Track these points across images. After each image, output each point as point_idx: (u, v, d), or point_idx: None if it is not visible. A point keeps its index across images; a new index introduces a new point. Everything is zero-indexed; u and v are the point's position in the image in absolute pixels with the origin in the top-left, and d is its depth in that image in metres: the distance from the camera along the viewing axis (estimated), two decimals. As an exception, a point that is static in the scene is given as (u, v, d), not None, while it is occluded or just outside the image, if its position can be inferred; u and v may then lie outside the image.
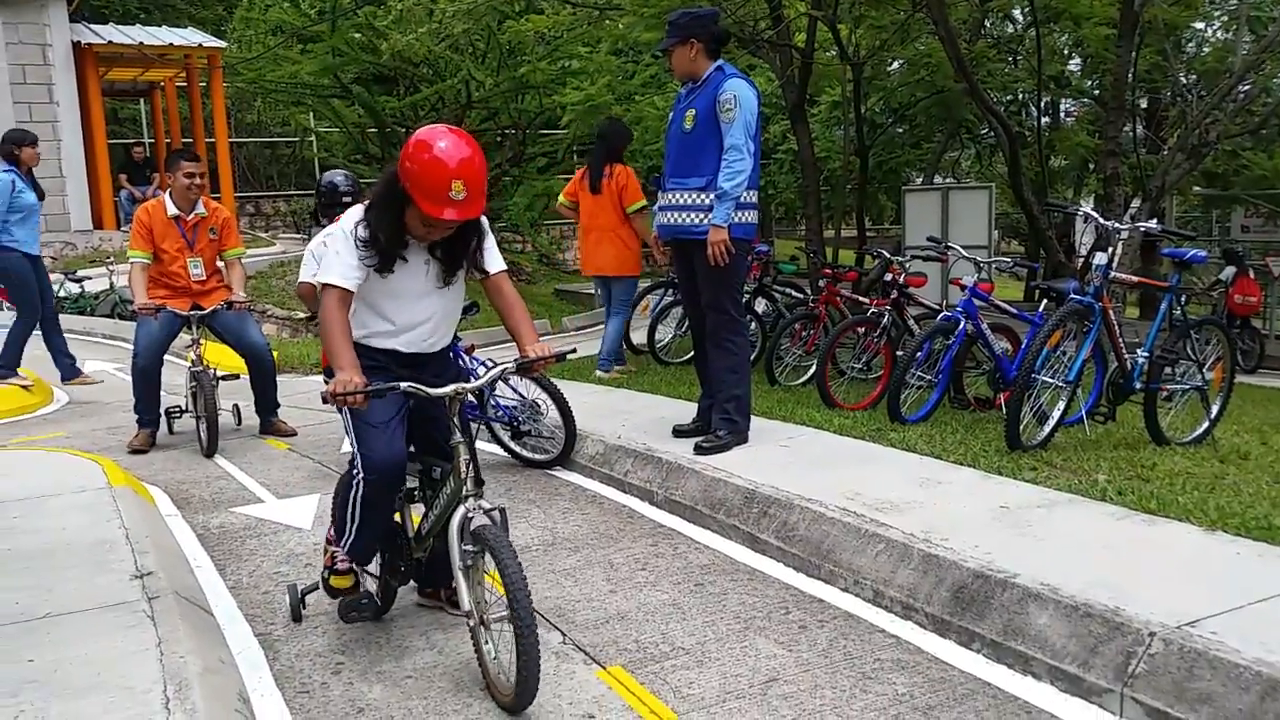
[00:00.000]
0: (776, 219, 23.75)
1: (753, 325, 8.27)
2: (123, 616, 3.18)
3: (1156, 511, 3.82)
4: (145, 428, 6.32)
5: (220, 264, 6.51)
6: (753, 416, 5.32)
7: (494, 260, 3.25)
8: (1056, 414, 5.01)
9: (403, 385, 2.95)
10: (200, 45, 17.28)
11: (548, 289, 18.48)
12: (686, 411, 5.71)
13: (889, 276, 6.98)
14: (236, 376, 6.70)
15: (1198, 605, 2.93)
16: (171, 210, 6.19)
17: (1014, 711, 2.80)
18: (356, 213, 3.10)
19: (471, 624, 2.92)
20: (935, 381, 5.82)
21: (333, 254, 3.07)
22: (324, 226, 5.45)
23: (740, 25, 10.68)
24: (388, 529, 3.33)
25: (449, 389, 2.99)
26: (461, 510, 2.90)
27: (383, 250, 3.04)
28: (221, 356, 6.85)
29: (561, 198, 8.17)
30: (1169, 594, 3.03)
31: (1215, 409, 5.35)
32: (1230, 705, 2.54)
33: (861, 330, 6.61)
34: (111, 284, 13.30)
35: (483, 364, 5.26)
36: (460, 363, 4.94)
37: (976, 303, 5.75)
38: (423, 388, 2.97)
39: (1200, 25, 17.74)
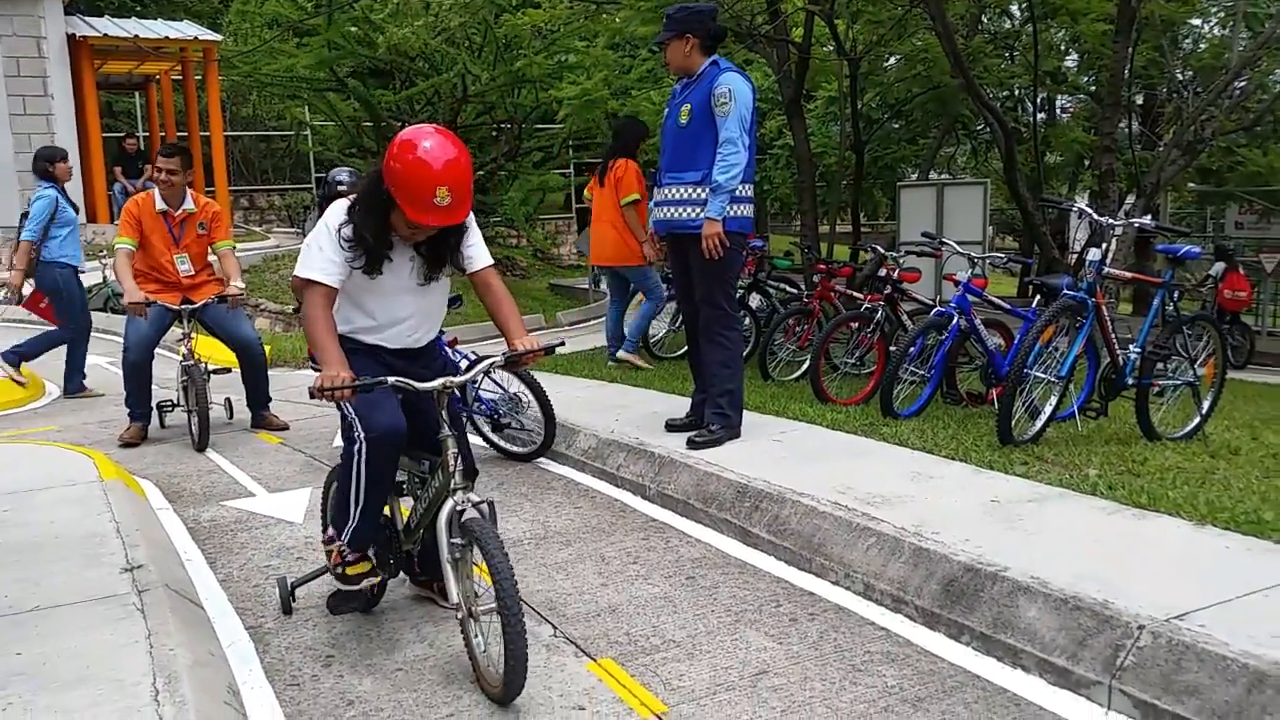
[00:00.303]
0: (772, 214, 23.76)
1: (747, 320, 8.29)
2: (112, 609, 3.18)
3: (1147, 506, 3.83)
4: (137, 421, 6.31)
5: (212, 257, 6.49)
6: (746, 411, 5.33)
7: (481, 256, 3.23)
8: (1048, 409, 5.01)
9: (390, 380, 2.94)
10: (196, 38, 17.23)
11: (542, 284, 18.47)
12: (680, 406, 5.72)
13: (883, 272, 6.99)
14: (228, 370, 6.69)
15: (1186, 598, 2.94)
16: (159, 205, 6.17)
17: (1003, 704, 2.81)
18: (340, 209, 3.07)
19: (460, 616, 2.92)
20: (928, 377, 5.83)
21: (315, 249, 3.05)
22: None
23: (738, 20, 10.68)
24: (381, 519, 3.31)
25: (437, 383, 2.98)
26: (450, 503, 2.90)
27: (369, 250, 3.03)
28: (213, 350, 6.84)
29: (585, 192, 8.46)
30: (1158, 587, 3.04)
31: (1206, 404, 5.36)
32: (1217, 697, 2.54)
33: (855, 325, 6.61)
34: (104, 278, 13.26)
35: (465, 357, 5.29)
36: (448, 356, 4.95)
37: (970, 298, 5.75)
38: (410, 382, 2.97)
39: (1197, 21, 17.77)
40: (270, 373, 6.76)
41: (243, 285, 6.37)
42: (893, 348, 6.06)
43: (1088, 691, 2.80)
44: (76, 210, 8.10)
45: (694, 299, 5.23)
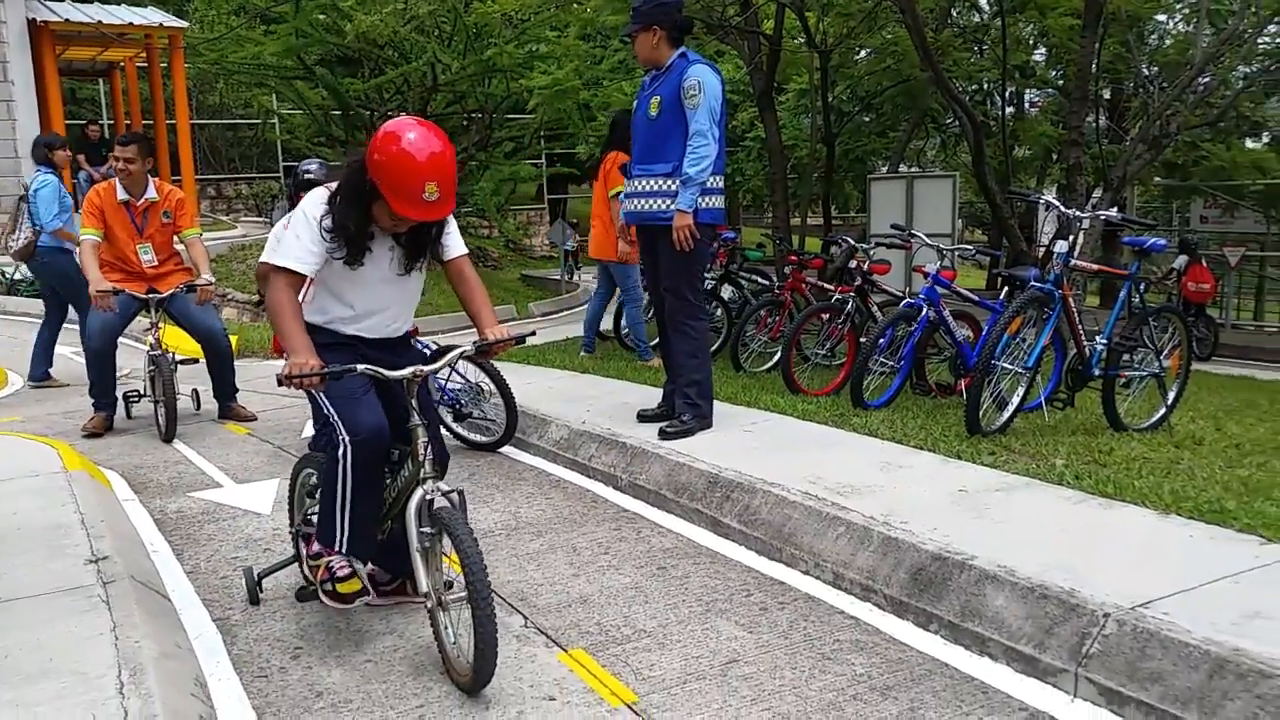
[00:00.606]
0: (744, 206, 23.80)
1: (718, 312, 8.31)
2: (77, 601, 3.14)
3: (1113, 495, 3.87)
4: (101, 411, 6.23)
5: (179, 245, 6.40)
6: (717, 402, 5.34)
7: (456, 244, 3.22)
8: (1016, 400, 5.06)
9: (360, 367, 2.91)
10: (161, 25, 16.95)
11: (514, 274, 18.42)
12: (651, 397, 5.72)
13: (853, 263, 7.02)
14: (195, 361, 6.61)
15: (1151, 587, 2.98)
16: (121, 195, 6.07)
17: (970, 691, 2.83)
18: (320, 198, 3.02)
19: (430, 606, 2.90)
20: (898, 368, 5.86)
21: (292, 237, 2.99)
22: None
23: (708, 11, 10.67)
24: (375, 529, 3.15)
25: (407, 371, 2.96)
26: (420, 492, 2.88)
27: (350, 240, 2.99)
28: (180, 340, 6.76)
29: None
30: (1123, 576, 3.08)
31: (1172, 395, 5.44)
32: (1180, 683, 2.58)
33: (826, 317, 6.65)
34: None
35: (426, 347, 5.26)
36: (419, 346, 4.92)
37: (939, 290, 5.79)
38: (380, 370, 2.94)
39: (1162, 17, 17.98)
40: (237, 363, 6.69)
41: (212, 277, 6.29)
42: (863, 339, 6.10)
43: (1054, 679, 2.83)
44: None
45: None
